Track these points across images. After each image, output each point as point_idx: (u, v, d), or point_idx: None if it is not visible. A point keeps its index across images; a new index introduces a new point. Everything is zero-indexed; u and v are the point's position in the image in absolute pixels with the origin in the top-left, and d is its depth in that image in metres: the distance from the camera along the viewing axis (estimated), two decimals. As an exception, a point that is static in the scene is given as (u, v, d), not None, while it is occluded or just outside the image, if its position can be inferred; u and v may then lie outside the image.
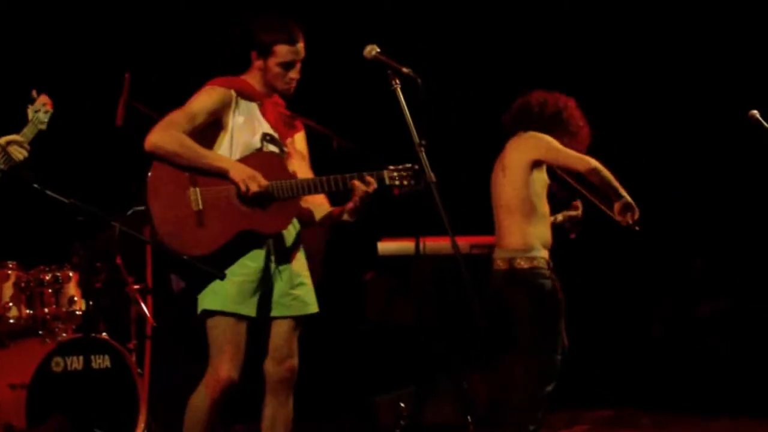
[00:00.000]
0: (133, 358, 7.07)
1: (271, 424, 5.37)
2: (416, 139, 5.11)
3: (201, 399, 5.22)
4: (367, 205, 5.25)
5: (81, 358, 6.80)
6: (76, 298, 6.98)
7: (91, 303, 6.98)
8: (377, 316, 8.08)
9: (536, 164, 6.19)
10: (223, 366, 5.18)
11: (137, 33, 8.37)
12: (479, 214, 6.83)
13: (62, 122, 8.00)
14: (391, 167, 5.21)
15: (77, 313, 6.98)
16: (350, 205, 5.28)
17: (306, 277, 5.43)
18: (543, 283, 6.15)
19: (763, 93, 7.02)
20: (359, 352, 8.44)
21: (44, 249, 7.36)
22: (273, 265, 5.31)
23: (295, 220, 5.37)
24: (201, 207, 5.14)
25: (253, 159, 5.26)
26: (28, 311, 6.94)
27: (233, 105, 5.31)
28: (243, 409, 5.68)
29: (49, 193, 4.78)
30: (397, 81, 5.20)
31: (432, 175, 5.11)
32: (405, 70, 5.19)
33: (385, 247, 7.75)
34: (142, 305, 7.08)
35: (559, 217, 6.55)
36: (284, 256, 5.36)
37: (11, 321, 6.89)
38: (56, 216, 6.02)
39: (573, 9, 9.43)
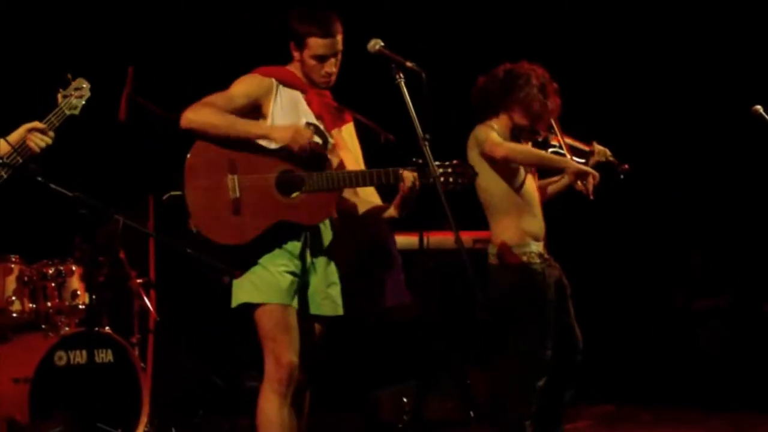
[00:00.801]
0: (136, 353, 7.06)
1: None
2: (420, 133, 5.11)
3: (269, 398, 5.12)
4: (412, 201, 5.18)
5: (84, 352, 6.81)
6: (79, 292, 6.98)
7: (94, 297, 6.99)
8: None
9: (487, 159, 6.05)
10: (283, 354, 5.09)
11: (141, 27, 8.37)
12: (482, 208, 6.83)
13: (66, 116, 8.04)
14: (438, 163, 5.11)
15: (80, 307, 6.98)
16: (397, 200, 5.22)
17: (337, 276, 5.36)
18: (533, 278, 6.06)
19: (763, 89, 7.02)
20: (362, 347, 8.44)
21: (47, 243, 7.36)
22: (309, 260, 5.25)
23: (329, 218, 5.31)
24: (238, 195, 5.08)
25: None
26: (31, 305, 6.95)
27: (274, 93, 5.26)
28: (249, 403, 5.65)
29: (53, 186, 4.78)
30: (401, 75, 5.20)
31: (436, 169, 5.11)
32: (409, 64, 5.18)
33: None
34: (145, 299, 7.09)
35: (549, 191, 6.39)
36: (320, 251, 5.29)
37: (14, 315, 6.89)
38: (59, 210, 6.02)
39: (573, 7, 9.43)
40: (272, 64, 5.42)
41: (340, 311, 5.37)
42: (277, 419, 5.13)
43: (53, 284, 6.96)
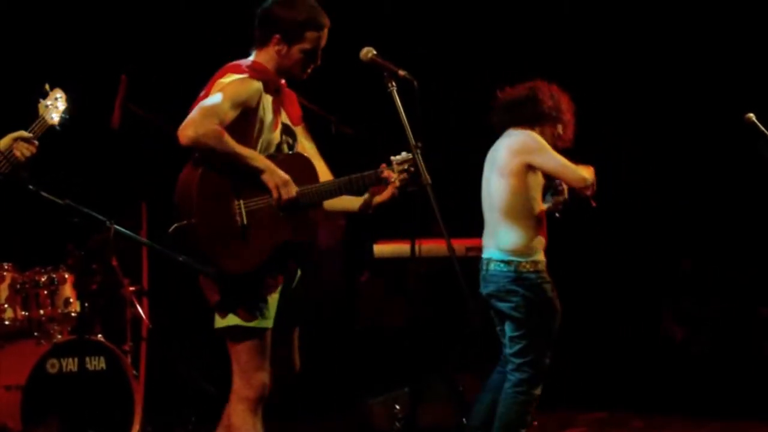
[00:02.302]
0: (129, 360, 7.06)
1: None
2: (412, 140, 5.11)
3: (245, 419, 5.05)
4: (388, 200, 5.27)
5: (76, 359, 6.80)
6: (71, 300, 6.98)
7: (86, 305, 6.99)
8: (372, 318, 8.09)
9: (531, 168, 6.17)
10: (255, 374, 5.01)
11: (134, 35, 8.37)
12: (475, 216, 6.83)
13: (59, 123, 8.03)
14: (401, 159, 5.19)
15: (72, 314, 6.98)
16: (386, 194, 5.27)
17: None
18: (545, 288, 6.16)
19: (750, 96, 7.05)
20: (354, 354, 8.45)
21: (40, 250, 7.36)
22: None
23: None
24: (245, 221, 4.90)
25: (284, 161, 5.05)
26: (23, 313, 6.95)
27: (261, 96, 5.06)
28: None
29: (43, 194, 4.77)
30: (393, 83, 5.19)
31: (428, 176, 5.11)
32: (401, 72, 5.18)
33: (381, 249, 7.76)
34: (138, 307, 7.08)
35: (547, 204, 6.42)
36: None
37: (6, 322, 6.89)
38: (52, 217, 6.02)
39: (576, 16, 9.44)
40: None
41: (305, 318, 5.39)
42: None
43: (46, 292, 6.96)
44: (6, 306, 6.87)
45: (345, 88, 8.01)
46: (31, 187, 4.80)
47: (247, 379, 5.05)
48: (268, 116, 5.11)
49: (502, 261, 6.17)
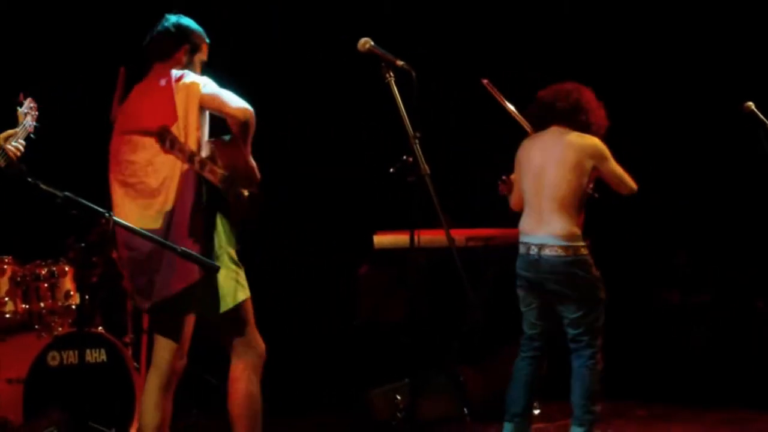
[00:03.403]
0: (129, 352, 7.07)
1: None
2: (410, 131, 5.13)
3: (255, 383, 5.62)
4: None
5: (77, 352, 6.82)
6: (71, 293, 6.99)
7: (86, 297, 6.99)
8: (372, 310, 8.08)
9: (594, 169, 6.58)
10: (261, 340, 5.67)
11: (132, 28, 8.35)
12: (474, 206, 6.85)
13: (57, 117, 8.02)
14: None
15: (73, 307, 6.99)
16: None
17: None
18: (595, 267, 6.62)
19: (751, 89, 7.05)
20: (354, 346, 8.45)
21: (40, 243, 7.36)
22: None
23: None
24: None
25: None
26: (24, 306, 6.95)
27: None
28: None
29: (42, 186, 4.77)
30: (391, 74, 5.22)
31: (426, 167, 5.12)
32: (399, 62, 5.20)
33: (381, 240, 7.76)
34: (138, 299, 7.07)
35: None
36: None
37: (7, 315, 6.90)
38: (52, 210, 6.01)
39: (574, 14, 9.44)
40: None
41: None
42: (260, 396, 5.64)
43: (46, 285, 6.97)
44: (6, 299, 6.88)
45: (346, 86, 8.02)
46: (30, 179, 4.79)
47: (255, 346, 5.65)
48: None
49: (560, 246, 6.52)
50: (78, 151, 7.99)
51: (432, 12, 9.39)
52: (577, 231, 6.54)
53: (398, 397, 7.49)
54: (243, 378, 5.60)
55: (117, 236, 5.51)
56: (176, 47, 5.69)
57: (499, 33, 9.42)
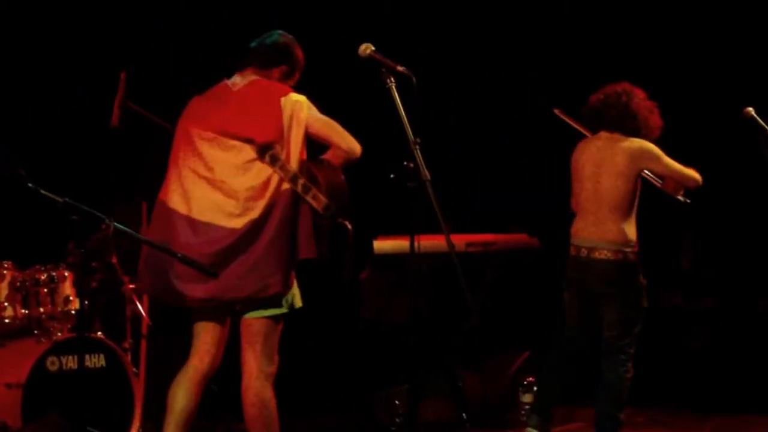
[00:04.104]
0: (129, 358, 7.05)
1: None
2: (411, 136, 5.13)
3: (270, 390, 5.59)
4: None
5: (76, 357, 6.78)
6: (71, 298, 6.97)
7: (86, 302, 6.98)
8: (372, 314, 8.09)
9: (643, 171, 6.67)
10: (277, 354, 5.64)
11: (133, 32, 8.37)
12: (475, 212, 6.85)
13: (58, 121, 8.05)
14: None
15: (72, 312, 6.97)
16: None
17: None
18: (641, 275, 6.71)
19: (754, 94, 7.06)
20: (355, 350, 8.45)
21: (39, 248, 7.34)
22: None
23: None
24: None
25: None
26: (23, 311, 6.93)
27: None
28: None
29: (42, 192, 4.77)
30: (392, 79, 5.23)
31: (427, 173, 5.13)
32: (399, 68, 5.21)
33: (381, 245, 7.76)
34: (138, 305, 7.07)
35: None
36: None
37: (6, 321, 6.87)
38: (51, 215, 6.00)
39: (574, 14, 9.43)
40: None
41: None
42: (275, 406, 5.61)
43: (46, 290, 6.94)
44: (6, 304, 6.86)
45: (346, 88, 8.01)
46: (30, 185, 4.79)
47: (273, 357, 5.59)
48: None
49: (609, 249, 6.64)
50: (78, 156, 8.02)
51: (432, 12, 9.38)
52: (628, 236, 6.65)
53: (397, 402, 7.50)
54: (258, 384, 5.57)
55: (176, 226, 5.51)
56: (275, 64, 5.70)
57: (499, 33, 9.41)
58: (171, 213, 5.53)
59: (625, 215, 6.65)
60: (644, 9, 9.41)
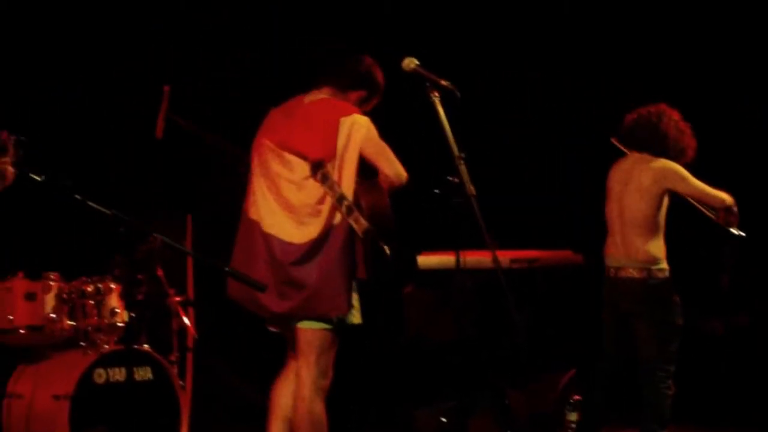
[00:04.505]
0: (175, 370, 7.07)
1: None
2: (456, 151, 5.12)
3: (318, 402, 5.62)
4: None
5: (123, 369, 6.81)
6: (117, 310, 6.99)
7: (132, 315, 7.01)
8: (416, 330, 8.08)
9: (670, 192, 6.71)
10: (332, 370, 5.68)
11: (177, 46, 8.41)
12: (519, 227, 6.83)
13: (103, 134, 8.10)
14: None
15: (119, 324, 6.99)
16: None
17: None
18: (674, 292, 6.73)
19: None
20: (399, 366, 8.43)
21: (86, 260, 7.38)
22: None
23: None
24: None
25: None
26: (70, 323, 6.96)
27: None
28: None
29: (90, 203, 4.79)
30: (436, 94, 5.22)
31: (472, 187, 5.12)
32: (444, 82, 5.21)
33: (425, 260, 7.76)
34: (184, 317, 7.09)
35: None
36: None
37: (54, 332, 6.91)
38: (98, 227, 6.03)
39: (575, 16, 9.38)
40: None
41: None
42: (325, 420, 5.66)
43: (92, 302, 6.97)
44: (53, 316, 6.90)
45: (390, 106, 8.04)
46: (77, 196, 4.81)
47: (327, 372, 5.64)
48: None
49: (634, 268, 6.71)
50: (125, 168, 8.07)
51: (433, 13, 9.36)
52: (655, 254, 6.70)
53: (443, 419, 7.48)
54: (309, 396, 5.62)
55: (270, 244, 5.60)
56: (353, 88, 5.79)
57: (500, 35, 9.37)
58: (251, 223, 5.65)
59: (650, 233, 6.70)
60: (649, 11, 9.32)
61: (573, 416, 7.65)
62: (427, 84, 5.25)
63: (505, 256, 7.59)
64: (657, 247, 6.71)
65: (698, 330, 9.13)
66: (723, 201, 6.73)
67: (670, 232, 6.80)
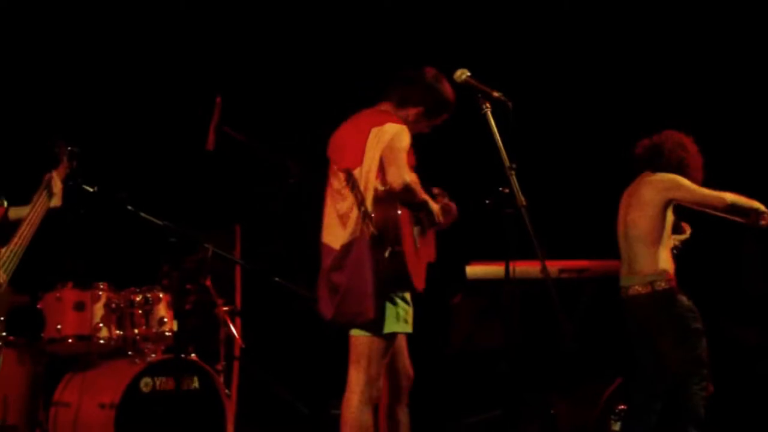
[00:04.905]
0: (222, 380, 7.09)
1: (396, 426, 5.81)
2: (507, 162, 5.12)
3: (364, 411, 5.57)
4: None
5: (170, 378, 6.83)
6: (165, 320, 7.02)
7: (180, 324, 7.03)
8: (464, 339, 8.07)
9: (670, 202, 6.73)
10: (380, 378, 5.63)
11: (229, 58, 8.44)
12: (568, 238, 6.81)
13: (155, 145, 8.14)
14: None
15: (167, 334, 7.02)
16: None
17: None
18: (682, 299, 6.71)
19: None
20: (447, 375, 8.42)
21: (135, 270, 7.42)
22: None
23: None
24: (417, 245, 5.66)
25: None
26: (118, 332, 7.00)
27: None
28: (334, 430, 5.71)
29: (142, 215, 4.82)
30: (488, 105, 5.22)
31: (522, 198, 5.11)
32: (495, 93, 5.21)
33: (474, 270, 7.75)
34: (231, 327, 7.11)
35: (674, 242, 7.03)
36: None
37: (101, 341, 6.94)
38: (147, 238, 6.07)
39: (578, 16, 9.35)
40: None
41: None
42: (372, 428, 5.62)
43: (140, 311, 7.01)
44: (101, 325, 6.93)
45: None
46: (129, 207, 4.85)
47: (376, 382, 5.62)
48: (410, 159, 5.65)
49: (639, 284, 6.73)
50: (176, 179, 8.10)
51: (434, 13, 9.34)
52: (656, 266, 6.70)
53: (489, 428, 7.47)
54: (356, 403, 5.60)
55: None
56: (413, 104, 5.76)
57: (502, 35, 9.33)
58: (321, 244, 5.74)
59: (653, 247, 6.71)
60: (652, 16, 9.26)
61: (618, 426, 7.65)
62: (479, 95, 5.25)
63: (555, 266, 7.58)
64: (660, 260, 6.72)
65: (735, 339, 9.09)
66: (725, 203, 6.69)
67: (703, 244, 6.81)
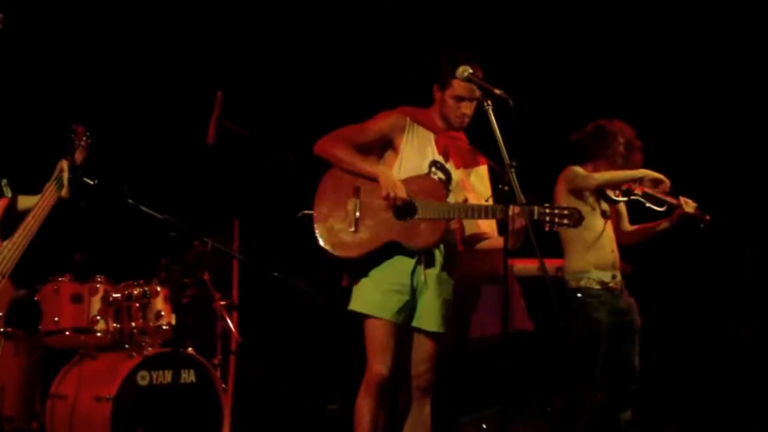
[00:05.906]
0: (218, 374, 7.09)
1: (411, 429, 5.78)
2: (507, 160, 5.12)
3: (361, 397, 5.56)
4: (519, 234, 5.29)
5: (166, 372, 6.85)
6: (163, 313, 7.03)
7: (177, 318, 7.03)
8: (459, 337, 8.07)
9: (572, 192, 6.65)
10: (374, 363, 5.54)
11: (229, 52, 8.44)
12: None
13: (155, 140, 8.13)
14: (546, 205, 5.26)
15: (164, 327, 7.03)
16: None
17: (451, 294, 5.72)
18: (589, 302, 6.63)
19: None
20: (444, 372, 8.42)
21: (133, 264, 7.42)
22: (421, 278, 5.59)
23: (443, 246, 5.65)
24: (358, 215, 5.54)
25: (416, 180, 5.61)
26: (115, 325, 7.01)
27: (407, 130, 5.72)
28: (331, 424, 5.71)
29: (143, 208, 4.82)
30: (489, 102, 5.22)
31: (522, 196, 5.12)
32: (497, 91, 5.21)
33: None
34: (228, 321, 7.11)
35: (665, 223, 6.94)
36: (433, 270, 5.63)
37: (98, 334, 6.95)
38: (145, 231, 6.06)
39: (578, 17, 9.36)
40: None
41: (442, 329, 5.69)
42: (366, 415, 5.54)
43: (138, 305, 7.02)
44: (98, 318, 6.93)
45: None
46: (130, 201, 4.85)
47: (368, 366, 5.57)
48: (416, 145, 5.70)
49: (565, 281, 6.74)
50: (175, 173, 8.09)
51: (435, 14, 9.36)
52: (575, 265, 6.69)
53: (484, 426, 7.47)
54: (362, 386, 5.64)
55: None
56: (434, 84, 5.78)
57: (502, 37, 9.34)
58: None
59: (573, 244, 6.69)
60: (655, 16, 9.28)
61: (627, 415, 7.63)
62: (481, 92, 5.27)
63: (551, 265, 7.58)
64: (579, 258, 6.68)
65: (730, 333, 9.11)
66: (631, 175, 6.63)
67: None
